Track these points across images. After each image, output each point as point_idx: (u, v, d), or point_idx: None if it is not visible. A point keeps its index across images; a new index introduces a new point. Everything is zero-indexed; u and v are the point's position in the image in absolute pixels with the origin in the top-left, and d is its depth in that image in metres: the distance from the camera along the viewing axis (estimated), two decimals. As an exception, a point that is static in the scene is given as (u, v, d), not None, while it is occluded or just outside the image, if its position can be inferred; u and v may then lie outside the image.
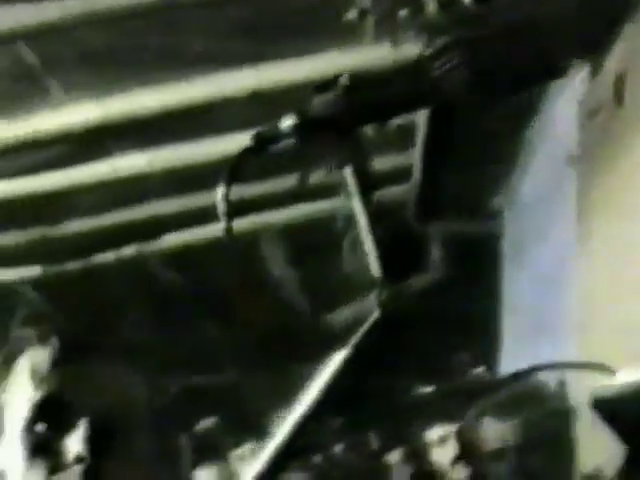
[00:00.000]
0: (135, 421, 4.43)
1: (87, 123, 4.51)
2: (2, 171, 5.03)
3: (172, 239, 6.16)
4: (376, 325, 1.27)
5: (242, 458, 4.93)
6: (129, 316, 6.59)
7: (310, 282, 6.63)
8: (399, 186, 4.78)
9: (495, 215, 6.27)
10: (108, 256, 6.17)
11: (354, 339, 1.27)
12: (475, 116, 2.32)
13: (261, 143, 1.26)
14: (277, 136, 1.26)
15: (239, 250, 6.36)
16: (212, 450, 5.11)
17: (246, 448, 5.01)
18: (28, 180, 5.10)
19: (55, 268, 6.12)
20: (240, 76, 4.36)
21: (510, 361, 5.73)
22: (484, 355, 5.85)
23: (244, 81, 4.37)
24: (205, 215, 5.95)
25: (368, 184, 1.31)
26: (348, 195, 1.28)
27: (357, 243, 4.82)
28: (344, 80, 1.27)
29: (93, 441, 3.71)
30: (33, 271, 6.16)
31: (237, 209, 6.24)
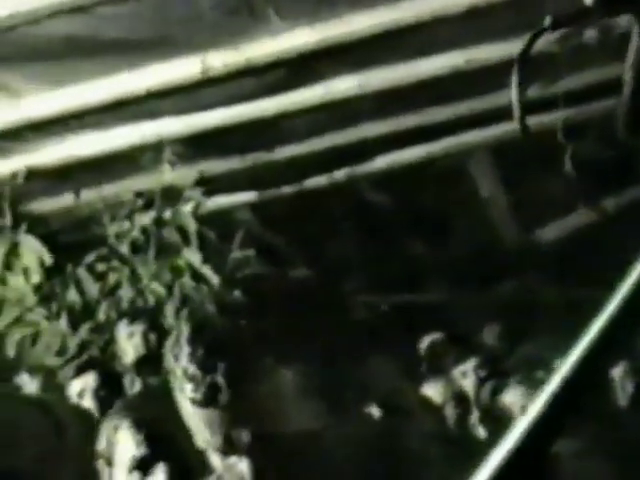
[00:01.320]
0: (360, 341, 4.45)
1: (301, 48, 4.59)
2: (220, 99, 5.18)
3: (382, 161, 6.22)
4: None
5: (464, 374, 4.99)
6: (340, 237, 6.70)
7: (520, 199, 6.59)
8: (610, 99, 4.68)
9: None
10: (320, 180, 6.29)
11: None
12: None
13: (559, 22, 1.20)
14: (579, 13, 1.20)
15: (449, 169, 6.38)
16: (436, 365, 5.19)
17: (468, 364, 5.07)
18: (244, 107, 5.24)
19: (270, 192, 6.28)
20: (453, -7, 4.34)
21: None
22: None
23: (457, -1, 4.34)
24: (415, 135, 6.00)
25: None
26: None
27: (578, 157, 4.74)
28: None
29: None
30: (249, 196, 6.33)
31: (441, 129, 6.18)
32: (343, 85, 5.10)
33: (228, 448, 2.76)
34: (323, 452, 2.93)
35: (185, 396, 2.79)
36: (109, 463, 3.36)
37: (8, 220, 5.91)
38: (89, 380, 5.09)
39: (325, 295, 5.26)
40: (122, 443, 3.45)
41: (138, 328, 5.46)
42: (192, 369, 2.79)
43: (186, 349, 2.84)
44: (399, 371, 4.78)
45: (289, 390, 3.15)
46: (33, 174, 5.75)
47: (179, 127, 5.43)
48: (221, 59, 4.58)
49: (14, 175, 5.77)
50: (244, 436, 2.76)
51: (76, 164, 5.72)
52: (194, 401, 2.76)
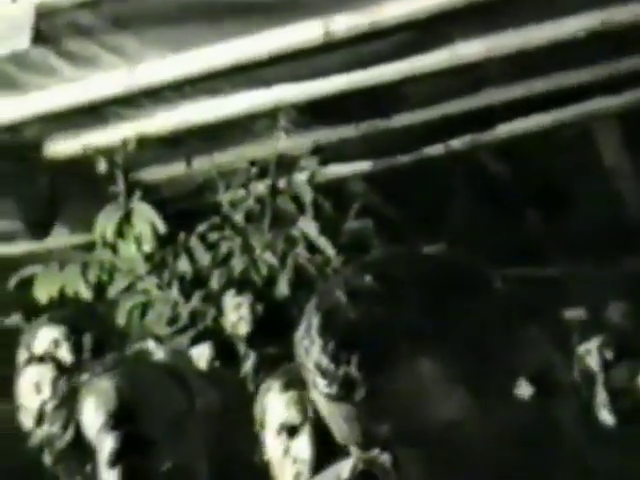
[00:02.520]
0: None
1: (429, 10, 4.39)
2: (339, 65, 5.01)
3: (505, 129, 5.96)
4: None
5: (588, 352, 4.77)
6: (457, 208, 6.50)
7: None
8: None
9: None
10: (438, 148, 6.06)
11: None
12: None
13: None
14: None
15: (574, 138, 6.11)
16: (564, 342, 4.97)
17: (592, 343, 4.85)
18: (364, 73, 5.05)
19: (385, 162, 6.09)
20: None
21: None
22: None
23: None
24: (542, 103, 5.74)
25: None
26: None
27: None
28: None
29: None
30: (365, 165, 6.15)
31: (568, 96, 5.89)
32: (470, 49, 4.87)
33: (368, 442, 2.59)
34: (469, 442, 2.75)
35: (319, 391, 2.61)
36: (262, 425, 3.31)
37: (121, 188, 5.85)
38: (204, 350, 5.03)
39: (460, 272, 5.03)
40: (272, 405, 3.40)
41: (245, 299, 5.38)
42: (325, 363, 2.59)
43: (318, 341, 2.65)
44: (547, 348, 4.55)
45: (430, 379, 2.97)
46: (145, 141, 5.67)
47: (295, 94, 5.26)
48: (345, 22, 4.40)
49: (126, 142, 5.69)
50: (384, 430, 2.58)
51: (189, 131, 5.62)
52: (328, 397, 2.57)
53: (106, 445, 2.79)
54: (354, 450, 2.59)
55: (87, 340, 4.85)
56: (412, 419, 2.54)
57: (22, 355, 5.03)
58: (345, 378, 2.60)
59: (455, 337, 3.04)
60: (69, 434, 2.97)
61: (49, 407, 3.98)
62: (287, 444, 3.17)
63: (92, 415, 2.86)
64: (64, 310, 5.50)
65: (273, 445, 3.23)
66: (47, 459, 3.06)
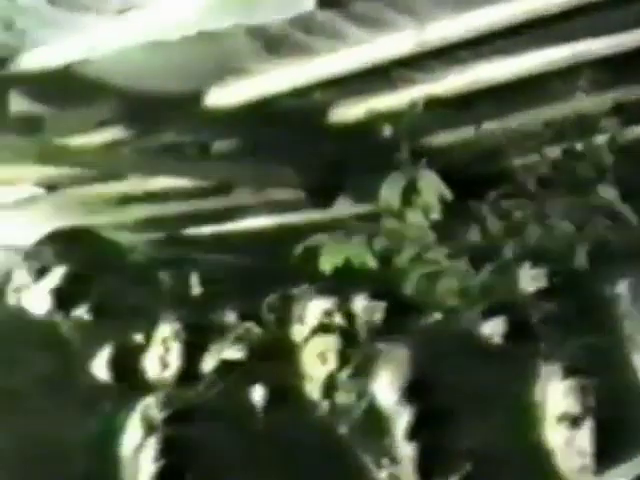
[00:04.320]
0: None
1: None
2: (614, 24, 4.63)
3: None
4: None
5: None
6: None
7: None
8: None
9: None
10: None
11: None
12: None
13: None
14: None
15: None
16: None
17: None
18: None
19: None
20: None
21: None
22: None
23: None
24: None
25: None
26: None
27: None
28: None
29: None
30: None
31: None
32: None
33: None
34: None
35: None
36: (542, 411, 3.13)
37: (405, 154, 5.70)
38: (498, 326, 4.82)
39: None
40: (551, 392, 3.23)
41: (542, 271, 5.12)
42: None
43: None
44: None
45: None
46: (433, 104, 5.50)
47: (596, 50, 4.92)
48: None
49: (413, 106, 5.53)
50: None
51: (479, 93, 5.40)
52: None
53: (402, 418, 2.73)
54: None
55: (374, 309, 4.74)
56: None
57: (296, 327, 5.01)
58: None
59: None
60: (363, 404, 2.94)
61: (342, 377, 3.92)
62: (568, 435, 3.04)
63: (387, 386, 2.82)
64: (330, 281, 5.44)
65: (554, 435, 3.10)
66: (342, 430, 3.04)
